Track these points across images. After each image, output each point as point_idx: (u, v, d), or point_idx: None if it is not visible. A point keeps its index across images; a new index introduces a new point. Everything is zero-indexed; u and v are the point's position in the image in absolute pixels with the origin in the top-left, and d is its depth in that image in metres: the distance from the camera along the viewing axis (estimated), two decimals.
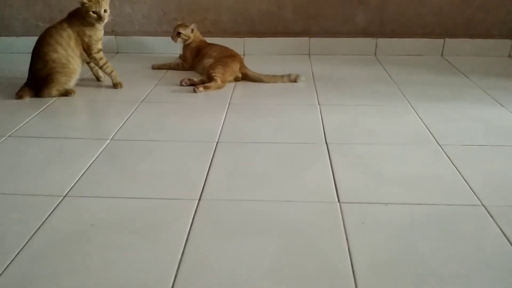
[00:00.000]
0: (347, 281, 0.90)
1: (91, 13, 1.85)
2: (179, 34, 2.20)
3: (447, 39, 2.54)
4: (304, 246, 1.00)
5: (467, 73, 2.24)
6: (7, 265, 0.94)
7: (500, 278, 0.91)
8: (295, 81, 2.09)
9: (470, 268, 0.94)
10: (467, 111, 1.77)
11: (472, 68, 2.32)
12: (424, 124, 1.64)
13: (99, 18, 1.86)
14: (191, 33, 2.22)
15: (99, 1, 1.85)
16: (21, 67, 2.06)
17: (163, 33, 2.58)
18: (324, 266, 0.94)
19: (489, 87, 2.03)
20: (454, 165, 1.35)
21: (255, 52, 2.57)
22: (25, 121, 1.66)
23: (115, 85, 2.01)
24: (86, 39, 1.89)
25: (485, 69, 2.31)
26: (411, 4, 2.51)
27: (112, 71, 2.00)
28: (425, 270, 0.93)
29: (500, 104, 1.84)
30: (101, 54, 1.95)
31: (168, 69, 2.30)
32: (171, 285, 0.89)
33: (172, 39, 2.22)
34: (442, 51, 2.56)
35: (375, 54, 2.58)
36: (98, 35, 1.92)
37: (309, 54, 2.59)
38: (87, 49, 1.91)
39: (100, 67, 1.99)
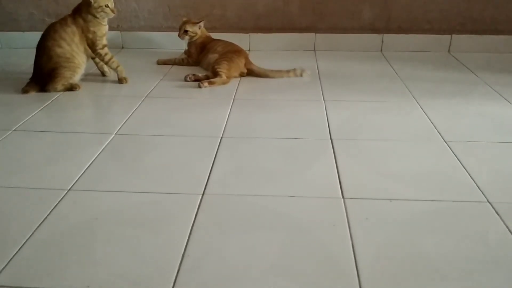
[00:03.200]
0: (351, 276, 0.90)
1: (104, 6, 1.87)
2: (186, 32, 2.19)
3: (454, 35, 2.52)
4: (308, 241, 1.00)
5: (474, 70, 2.22)
6: (12, 257, 0.95)
7: (506, 275, 0.91)
8: (300, 75, 2.09)
9: (475, 264, 0.93)
10: (473, 107, 1.75)
11: (479, 65, 2.30)
12: (430, 121, 1.63)
13: (112, 11, 1.90)
14: (198, 29, 2.21)
15: None
16: (27, 62, 2.07)
17: (169, 29, 2.58)
18: (328, 261, 0.94)
19: (496, 83, 2.02)
20: (459, 161, 1.34)
21: (261, 48, 2.57)
22: (31, 115, 1.67)
23: (121, 80, 2.02)
24: (91, 36, 1.90)
25: (492, 65, 2.29)
26: (417, 0, 2.49)
27: (118, 66, 2.01)
28: (430, 267, 0.93)
29: (507, 100, 1.82)
30: (106, 49, 1.96)
31: (173, 64, 2.30)
32: (173, 279, 0.89)
33: (179, 37, 2.22)
34: (449, 47, 2.54)
35: (381, 50, 2.56)
36: (102, 30, 1.93)
37: (314, 50, 2.58)
38: (91, 45, 1.92)
39: (106, 63, 1.99)
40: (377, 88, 1.97)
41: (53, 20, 1.95)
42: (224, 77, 2.00)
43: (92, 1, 1.86)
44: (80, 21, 1.88)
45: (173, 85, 2.00)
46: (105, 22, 1.93)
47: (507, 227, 1.05)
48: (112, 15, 1.92)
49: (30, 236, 1.02)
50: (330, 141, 1.48)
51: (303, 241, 1.00)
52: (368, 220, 1.07)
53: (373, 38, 2.55)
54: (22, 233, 1.02)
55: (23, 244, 0.99)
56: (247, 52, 2.24)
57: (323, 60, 2.40)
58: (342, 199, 1.16)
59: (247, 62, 2.12)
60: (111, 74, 2.09)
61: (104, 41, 1.95)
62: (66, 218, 1.08)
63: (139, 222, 1.07)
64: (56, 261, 0.94)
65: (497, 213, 1.10)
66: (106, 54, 1.96)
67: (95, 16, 1.88)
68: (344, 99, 1.85)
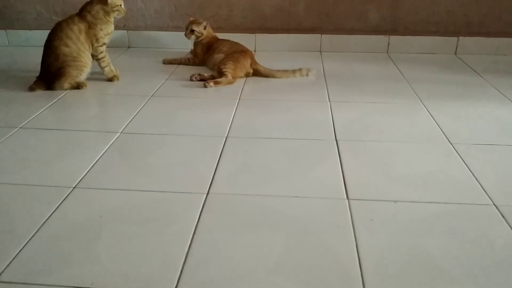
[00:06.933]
0: (354, 277, 0.90)
1: (118, 6, 1.92)
2: (192, 31, 2.20)
3: (460, 38, 2.51)
4: (312, 242, 1.00)
5: (480, 72, 2.21)
6: (17, 253, 0.96)
7: (511, 278, 0.90)
8: (306, 75, 2.10)
9: (479, 268, 0.93)
10: (479, 110, 1.75)
11: (486, 67, 2.29)
12: (436, 123, 1.62)
13: (124, 10, 1.96)
14: (203, 29, 2.22)
15: None
16: (34, 60, 2.08)
17: (175, 28, 2.59)
18: (332, 262, 0.94)
19: (503, 86, 2.00)
20: (465, 164, 1.33)
21: (266, 48, 2.57)
22: (37, 113, 1.68)
23: (110, 79, 2.03)
24: (96, 32, 1.91)
25: (499, 68, 2.28)
26: (424, 1, 2.48)
27: (106, 66, 2.01)
28: (434, 269, 0.92)
29: None
30: (104, 48, 1.97)
31: (179, 64, 2.30)
32: (177, 277, 0.89)
33: (186, 36, 2.23)
34: (456, 49, 2.53)
35: (387, 52, 2.56)
36: (108, 29, 1.95)
37: (320, 51, 2.57)
38: (94, 42, 1.92)
39: (97, 59, 1.98)
40: (383, 90, 1.97)
41: (60, 19, 1.96)
42: (229, 77, 2.00)
43: (109, 0, 1.89)
44: (89, 17, 1.90)
45: (179, 85, 2.01)
46: (112, 21, 1.95)
47: None
48: (123, 14, 1.96)
49: (35, 233, 1.02)
50: (335, 142, 1.47)
51: (307, 241, 1.00)
52: (373, 221, 1.07)
53: (379, 40, 2.54)
54: (27, 230, 1.03)
55: (28, 241, 1.00)
56: (253, 52, 2.24)
57: (329, 61, 2.40)
58: (347, 200, 1.15)
59: (253, 62, 2.12)
60: (120, 75, 2.08)
61: (106, 40, 1.96)
62: (71, 216, 1.08)
63: (143, 221, 1.07)
64: (61, 258, 0.94)
65: (502, 216, 1.09)
66: (101, 52, 1.96)
67: (108, 15, 1.91)
68: (349, 100, 1.85)
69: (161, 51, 2.53)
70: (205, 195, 1.17)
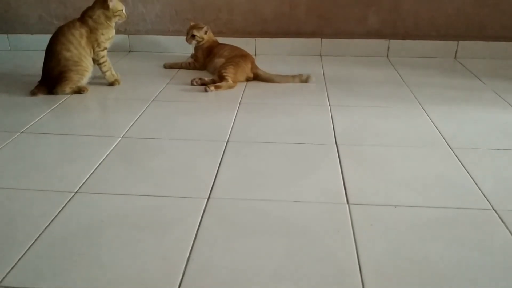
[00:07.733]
0: (355, 282, 0.90)
1: (120, 11, 1.94)
2: (193, 36, 2.21)
3: (460, 42, 2.52)
4: (312, 246, 1.00)
5: (480, 76, 2.22)
6: (19, 258, 0.96)
7: (510, 283, 0.90)
8: (306, 81, 2.09)
9: (479, 272, 0.93)
10: (479, 114, 1.75)
11: (485, 71, 2.29)
12: (436, 127, 1.63)
13: (125, 15, 1.98)
14: (204, 34, 2.23)
15: (119, 1, 1.94)
16: (36, 64, 2.09)
17: (176, 32, 2.60)
18: (332, 267, 0.94)
19: (503, 90, 2.01)
20: (465, 168, 1.34)
21: (267, 52, 2.58)
22: (38, 118, 1.69)
23: (112, 84, 2.04)
24: (98, 37, 1.92)
25: (499, 72, 2.29)
26: (424, 5, 2.49)
27: (107, 71, 2.02)
28: (434, 274, 0.93)
29: None
30: (105, 52, 1.98)
31: (179, 68, 2.31)
32: (179, 282, 0.90)
33: (187, 41, 2.24)
34: (456, 53, 2.53)
35: (387, 56, 2.56)
36: (109, 34, 1.96)
37: (320, 55, 2.58)
38: (95, 47, 1.93)
39: (98, 64, 1.99)
40: (383, 94, 1.97)
41: (62, 23, 1.98)
42: (230, 81, 2.01)
43: (110, 6, 1.90)
44: (90, 22, 1.91)
45: (180, 89, 2.02)
46: (113, 25, 1.96)
47: None
48: (124, 19, 1.98)
49: (37, 238, 1.02)
50: (335, 146, 1.48)
51: (307, 246, 1.01)
52: (373, 226, 1.07)
53: (379, 44, 2.55)
54: (29, 234, 1.04)
55: (30, 245, 1.00)
56: (254, 56, 2.25)
57: (329, 65, 2.41)
58: (347, 205, 1.16)
59: (253, 66, 2.13)
60: (122, 79, 2.09)
61: (107, 44, 1.98)
62: (73, 221, 1.09)
63: (145, 225, 1.07)
64: (63, 263, 0.95)
65: (502, 220, 1.10)
66: (102, 56, 1.97)
67: (110, 19, 1.92)
68: (349, 104, 1.85)
69: (162, 56, 2.54)
70: (206, 199, 1.18)
